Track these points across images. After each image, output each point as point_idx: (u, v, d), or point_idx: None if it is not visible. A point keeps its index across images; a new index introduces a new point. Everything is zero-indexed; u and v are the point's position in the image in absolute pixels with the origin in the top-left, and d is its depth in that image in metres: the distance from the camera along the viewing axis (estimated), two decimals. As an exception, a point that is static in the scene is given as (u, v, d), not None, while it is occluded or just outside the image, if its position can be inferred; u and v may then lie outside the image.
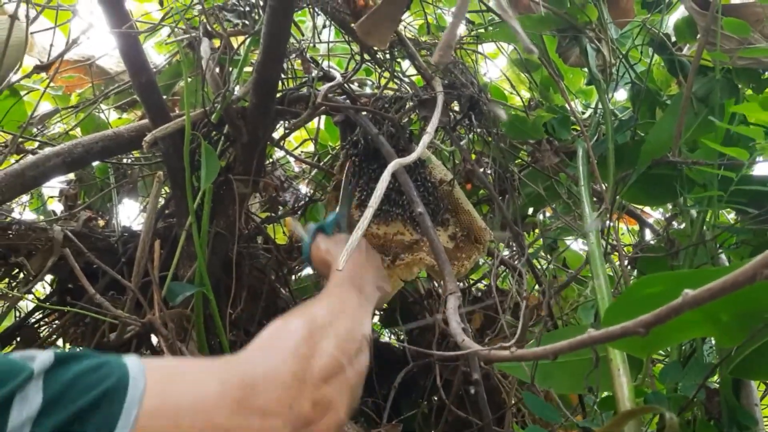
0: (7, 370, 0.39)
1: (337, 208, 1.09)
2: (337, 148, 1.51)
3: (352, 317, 0.71)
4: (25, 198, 1.49)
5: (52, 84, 1.40)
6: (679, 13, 1.14)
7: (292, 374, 0.55)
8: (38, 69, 1.27)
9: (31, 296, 1.46)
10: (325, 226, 1.02)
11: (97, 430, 0.40)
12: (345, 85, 1.18)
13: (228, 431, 0.48)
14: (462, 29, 1.30)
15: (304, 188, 1.64)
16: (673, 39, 1.12)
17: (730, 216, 1.29)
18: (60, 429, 0.39)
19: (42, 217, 1.49)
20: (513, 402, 1.28)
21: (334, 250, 0.91)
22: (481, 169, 1.32)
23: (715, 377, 0.84)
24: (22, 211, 1.48)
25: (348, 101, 1.20)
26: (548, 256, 1.50)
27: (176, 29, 1.24)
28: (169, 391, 0.47)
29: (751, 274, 0.33)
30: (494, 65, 1.87)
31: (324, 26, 1.32)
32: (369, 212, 0.69)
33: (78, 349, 0.45)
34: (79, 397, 0.40)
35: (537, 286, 1.37)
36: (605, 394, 0.86)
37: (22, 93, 1.41)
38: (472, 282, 1.56)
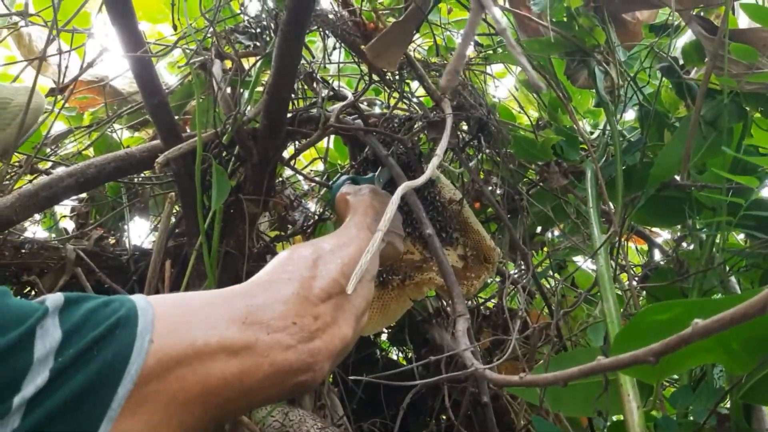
0: (24, 309, 0.41)
1: (377, 172, 1.12)
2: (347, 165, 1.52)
3: (359, 248, 0.74)
4: (37, 215, 1.50)
5: (66, 105, 1.41)
6: (687, 37, 1.14)
7: (295, 294, 0.58)
8: (53, 92, 1.28)
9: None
10: (358, 179, 1.09)
11: (114, 353, 0.43)
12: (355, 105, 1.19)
13: (239, 349, 0.50)
14: (470, 50, 1.31)
15: (313, 206, 1.65)
16: (681, 62, 1.13)
17: (740, 236, 1.29)
18: (81, 356, 0.41)
19: (54, 236, 1.50)
20: (522, 424, 1.27)
21: (355, 197, 0.97)
22: (489, 188, 1.32)
23: (726, 402, 0.84)
24: (35, 231, 1.49)
25: (359, 120, 1.21)
26: (557, 276, 1.50)
27: (189, 51, 1.26)
28: (178, 315, 0.50)
29: (761, 305, 0.33)
30: (502, 85, 1.88)
31: (334, 47, 1.34)
32: (378, 236, 0.69)
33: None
34: (94, 328, 0.43)
35: (545, 307, 1.37)
36: (615, 418, 0.86)
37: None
38: (481, 301, 1.56)
